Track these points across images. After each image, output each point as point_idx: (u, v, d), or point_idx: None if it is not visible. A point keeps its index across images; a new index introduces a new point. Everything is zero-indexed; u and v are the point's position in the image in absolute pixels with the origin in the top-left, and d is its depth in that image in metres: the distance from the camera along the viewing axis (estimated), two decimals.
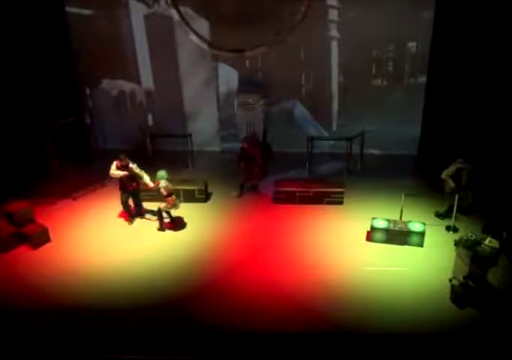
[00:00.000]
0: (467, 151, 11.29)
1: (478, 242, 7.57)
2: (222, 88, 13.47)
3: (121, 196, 10.14)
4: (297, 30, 12.19)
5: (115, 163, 9.80)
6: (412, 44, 12.53)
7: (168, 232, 10.03)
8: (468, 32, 10.80)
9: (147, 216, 10.47)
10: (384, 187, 11.30)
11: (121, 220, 10.43)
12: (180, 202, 10.13)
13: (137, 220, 10.39)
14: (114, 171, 9.79)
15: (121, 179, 9.89)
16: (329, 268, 8.81)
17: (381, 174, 12.06)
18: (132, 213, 10.39)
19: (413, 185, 11.18)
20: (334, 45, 12.59)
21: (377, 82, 13.00)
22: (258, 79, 12.84)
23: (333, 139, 13.15)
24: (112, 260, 9.09)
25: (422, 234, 9.32)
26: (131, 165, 9.80)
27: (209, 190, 11.48)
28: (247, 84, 12.97)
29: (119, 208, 10.82)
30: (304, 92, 13.30)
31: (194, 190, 11.06)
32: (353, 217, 10.12)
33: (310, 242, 9.58)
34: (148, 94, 13.53)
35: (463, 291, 7.72)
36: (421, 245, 9.33)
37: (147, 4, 12.64)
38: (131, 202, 10.33)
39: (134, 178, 9.93)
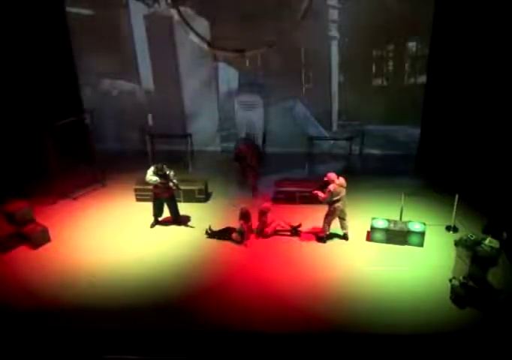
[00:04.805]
0: (467, 151, 11.34)
1: (478, 242, 7.56)
2: (222, 88, 13.46)
3: (153, 202, 10.01)
4: (297, 30, 12.19)
5: (152, 168, 9.62)
6: (412, 44, 12.53)
7: (168, 233, 10.03)
8: (468, 32, 10.80)
9: (187, 223, 10.30)
10: (384, 187, 11.29)
11: (121, 219, 10.43)
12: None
13: (138, 221, 10.40)
14: (151, 177, 9.58)
15: (156, 186, 9.73)
16: (329, 268, 8.82)
17: (381, 174, 12.06)
18: (157, 219, 10.20)
19: (413, 185, 11.16)
20: (334, 45, 12.59)
21: (377, 82, 13.00)
22: (258, 79, 12.84)
23: (333, 139, 13.15)
24: (113, 260, 9.10)
25: (422, 234, 9.32)
26: (168, 173, 9.64)
27: (209, 190, 11.49)
28: (247, 84, 12.96)
29: (119, 207, 10.86)
30: (304, 92, 13.30)
31: (194, 190, 11.07)
32: (353, 217, 10.10)
33: (310, 242, 9.59)
34: (148, 94, 13.53)
35: (463, 291, 7.72)
36: (421, 245, 9.34)
37: (147, 4, 12.63)
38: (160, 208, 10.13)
39: (169, 186, 9.76)
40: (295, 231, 9.82)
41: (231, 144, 13.18)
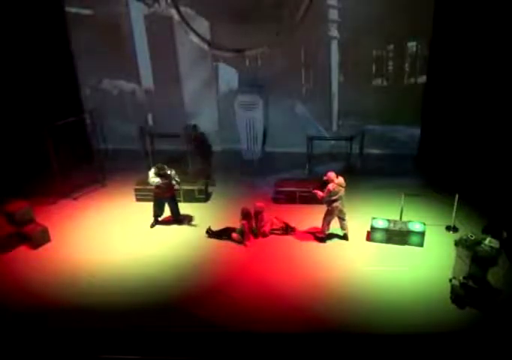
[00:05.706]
0: (467, 151, 11.34)
1: (478, 242, 7.56)
2: (222, 88, 13.47)
3: (154, 202, 10.03)
4: (297, 30, 12.19)
5: (153, 170, 9.66)
6: (412, 44, 12.53)
7: (168, 233, 10.03)
8: (468, 32, 10.80)
9: (187, 223, 10.34)
10: (384, 187, 11.30)
11: (121, 219, 10.43)
12: None
13: (138, 221, 10.39)
14: (153, 178, 9.61)
15: (158, 186, 9.75)
16: (329, 268, 8.82)
17: (381, 174, 12.06)
18: (157, 219, 10.22)
19: (413, 185, 11.17)
20: (334, 45, 12.59)
21: (377, 82, 13.00)
22: (258, 79, 12.83)
23: (333, 139, 13.14)
24: (113, 260, 9.10)
25: (422, 234, 9.32)
26: (169, 172, 9.67)
27: (209, 190, 11.49)
28: (247, 84, 12.96)
29: (119, 207, 10.86)
30: (304, 92, 13.30)
31: (194, 190, 11.07)
32: (353, 216, 10.10)
33: (310, 242, 9.58)
34: (148, 93, 13.52)
35: (463, 291, 7.72)
36: (421, 245, 9.34)
37: (147, 4, 12.64)
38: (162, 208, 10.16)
39: (171, 185, 9.81)
40: (287, 229, 9.83)
41: (231, 145, 13.20)
